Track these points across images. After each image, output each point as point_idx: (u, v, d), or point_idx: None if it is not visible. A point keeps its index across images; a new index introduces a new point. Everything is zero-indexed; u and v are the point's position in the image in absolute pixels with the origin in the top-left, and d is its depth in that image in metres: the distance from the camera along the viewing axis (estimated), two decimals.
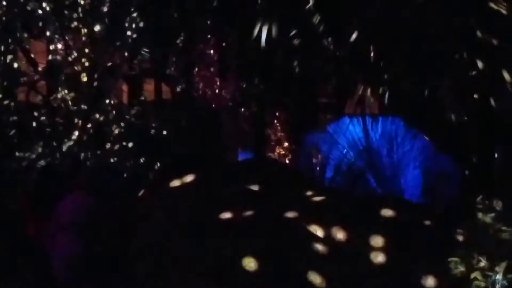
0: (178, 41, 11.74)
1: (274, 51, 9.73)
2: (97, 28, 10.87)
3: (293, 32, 9.07)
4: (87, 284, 7.85)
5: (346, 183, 10.71)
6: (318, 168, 11.30)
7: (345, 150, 11.25)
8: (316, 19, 8.76)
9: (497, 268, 5.72)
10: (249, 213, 6.87)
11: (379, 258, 6.36)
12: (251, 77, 11.67)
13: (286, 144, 12.25)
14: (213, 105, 11.92)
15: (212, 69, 11.89)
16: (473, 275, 5.74)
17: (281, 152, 12.20)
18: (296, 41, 9.10)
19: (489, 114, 9.22)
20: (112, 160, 10.16)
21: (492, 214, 6.11)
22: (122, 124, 10.53)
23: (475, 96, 9.11)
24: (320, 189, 7.97)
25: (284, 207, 6.87)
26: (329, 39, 9.14)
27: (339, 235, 6.48)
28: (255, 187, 7.50)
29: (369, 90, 9.92)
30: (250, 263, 6.21)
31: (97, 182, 9.02)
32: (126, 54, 11.24)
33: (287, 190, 7.52)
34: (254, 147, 12.18)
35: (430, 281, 6.19)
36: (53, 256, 8.05)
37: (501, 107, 8.95)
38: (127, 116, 10.88)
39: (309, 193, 7.35)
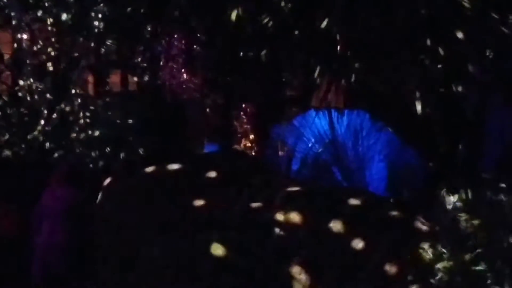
0: (144, 32, 11.70)
1: (241, 41, 9.74)
2: (63, 17, 10.80)
3: (263, 21, 9.09)
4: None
5: (312, 176, 10.74)
6: (284, 161, 11.32)
7: (311, 143, 11.28)
8: (286, 7, 8.79)
9: (461, 259, 5.80)
10: (215, 202, 6.89)
11: (345, 244, 6.42)
12: (218, 68, 11.65)
13: (252, 136, 12.25)
14: (180, 97, 11.90)
15: (179, 60, 11.86)
16: (438, 265, 5.82)
17: (247, 144, 12.21)
18: (265, 30, 9.12)
19: (453, 107, 9.32)
20: (78, 150, 10.14)
21: (458, 205, 6.19)
22: (88, 114, 10.49)
23: (440, 89, 9.20)
24: (287, 179, 8.02)
25: (251, 197, 6.93)
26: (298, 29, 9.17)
27: (302, 221, 6.54)
28: (221, 178, 7.55)
29: (335, 83, 9.99)
30: (217, 250, 6.26)
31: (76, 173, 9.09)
32: (92, 44, 11.20)
33: (254, 181, 7.57)
34: (220, 139, 12.17)
35: (393, 268, 6.25)
36: (37, 247, 8.13)
37: (465, 100, 9.05)
38: (92, 107, 10.84)
39: (275, 183, 7.40)
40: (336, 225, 6.50)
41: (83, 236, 8.20)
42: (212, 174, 7.68)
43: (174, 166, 8.05)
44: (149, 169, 7.99)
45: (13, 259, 9.16)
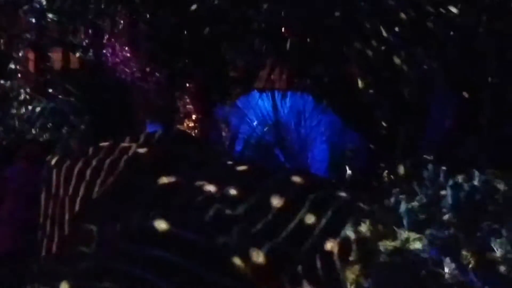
0: (87, 9, 11.57)
1: (185, 19, 9.70)
2: None
3: None
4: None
5: (254, 157, 10.78)
6: (227, 142, 11.33)
7: (254, 124, 11.30)
8: None
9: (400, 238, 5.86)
10: (160, 181, 6.92)
11: (285, 219, 6.48)
12: (161, 47, 11.57)
13: (195, 116, 12.21)
14: (122, 76, 11.79)
15: (122, 39, 11.74)
16: (379, 244, 5.87)
17: (190, 125, 12.16)
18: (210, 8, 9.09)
19: (394, 89, 9.41)
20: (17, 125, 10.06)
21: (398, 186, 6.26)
22: (28, 90, 10.39)
23: (382, 71, 9.28)
24: (230, 159, 8.07)
25: (195, 175, 6.96)
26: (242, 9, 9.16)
27: (242, 196, 6.60)
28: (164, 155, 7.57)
29: (278, 65, 10.01)
30: (161, 224, 6.29)
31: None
32: (33, 21, 11.05)
33: (197, 160, 7.59)
34: (162, 119, 12.11)
35: (329, 245, 6.32)
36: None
37: (407, 82, 9.15)
38: (32, 85, 10.74)
39: (217, 162, 7.45)
40: (277, 201, 6.56)
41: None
42: (160, 152, 7.72)
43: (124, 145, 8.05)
44: (98, 146, 8.03)
45: None
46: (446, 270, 5.34)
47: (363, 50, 9.31)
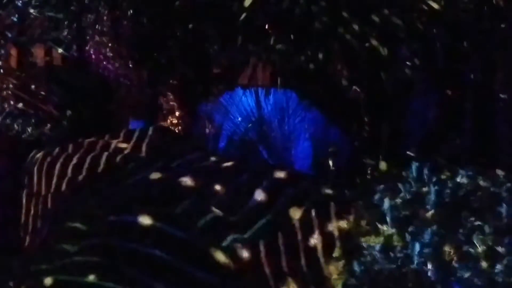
0: (70, 5, 11.52)
1: (168, 15, 9.68)
2: None
3: None
4: None
5: (238, 154, 10.78)
6: (210, 138, 11.32)
7: (237, 121, 11.30)
8: None
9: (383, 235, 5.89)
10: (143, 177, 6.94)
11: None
12: (144, 44, 11.54)
13: (178, 113, 12.19)
14: (105, 72, 11.75)
15: (105, 35, 11.70)
16: (362, 240, 5.90)
17: (173, 121, 12.14)
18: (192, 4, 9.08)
19: (378, 87, 9.44)
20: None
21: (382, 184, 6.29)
22: (11, 85, 10.35)
23: (366, 69, 9.30)
24: (213, 155, 8.09)
25: (178, 172, 6.99)
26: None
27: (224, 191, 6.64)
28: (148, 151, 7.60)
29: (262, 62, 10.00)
30: (145, 220, 6.30)
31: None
32: (16, 16, 11.01)
33: (180, 156, 7.61)
34: (145, 115, 12.08)
35: (312, 240, 6.35)
36: None
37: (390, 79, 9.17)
38: (15, 81, 10.71)
39: (201, 158, 7.49)
40: (259, 196, 6.59)
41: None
42: (142, 148, 7.74)
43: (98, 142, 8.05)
44: (79, 142, 8.03)
45: None
46: (429, 266, 5.38)
47: (346, 46, 9.32)
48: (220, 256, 6.24)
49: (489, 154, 9.06)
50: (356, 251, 5.90)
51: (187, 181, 6.80)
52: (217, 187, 6.69)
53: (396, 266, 5.62)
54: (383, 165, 7.08)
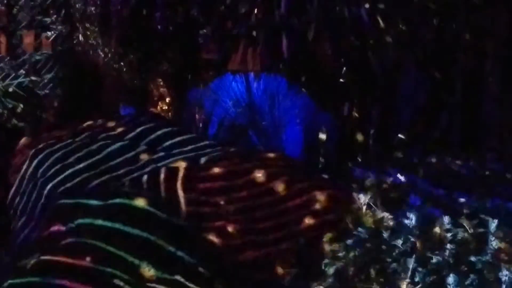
0: None
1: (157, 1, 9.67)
2: None
3: None
4: None
5: (228, 139, 10.78)
6: (200, 124, 11.32)
7: (227, 107, 11.30)
8: None
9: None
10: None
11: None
12: (134, 29, 11.53)
13: (168, 99, 12.19)
14: (94, 58, 11.74)
15: (94, 21, 11.68)
16: (354, 224, 5.93)
17: (164, 107, 12.14)
18: None
19: (366, 70, 9.46)
20: None
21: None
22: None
23: (354, 53, 9.32)
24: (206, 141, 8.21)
25: (167, 156, 7.05)
26: None
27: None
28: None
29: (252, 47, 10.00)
30: (140, 202, 6.37)
31: None
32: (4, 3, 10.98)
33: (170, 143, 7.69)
34: (136, 102, 12.08)
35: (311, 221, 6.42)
36: None
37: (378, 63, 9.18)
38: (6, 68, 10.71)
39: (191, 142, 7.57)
40: (258, 175, 6.66)
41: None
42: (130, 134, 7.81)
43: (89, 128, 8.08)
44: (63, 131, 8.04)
45: None
46: (418, 247, 5.41)
47: (335, 31, 9.34)
48: (212, 237, 6.33)
49: (478, 136, 9.10)
50: (347, 234, 5.93)
51: (178, 165, 6.90)
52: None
53: (386, 248, 5.66)
54: (374, 149, 7.13)
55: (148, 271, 5.91)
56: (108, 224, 6.19)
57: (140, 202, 6.33)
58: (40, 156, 7.77)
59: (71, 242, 6.13)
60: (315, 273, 5.65)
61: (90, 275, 5.77)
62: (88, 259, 5.89)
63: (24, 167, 7.86)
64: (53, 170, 7.48)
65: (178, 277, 5.94)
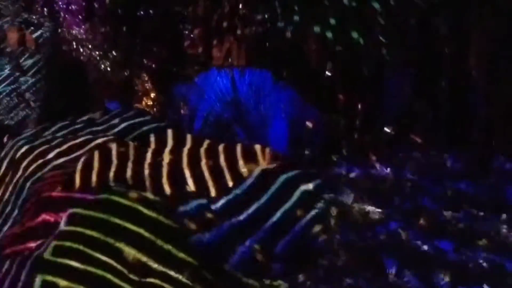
0: None
1: None
2: None
3: None
4: None
5: (214, 134, 10.76)
6: (186, 119, 11.31)
7: (213, 102, 11.28)
8: None
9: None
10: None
11: None
12: (119, 25, 11.50)
13: (153, 95, 12.16)
14: (80, 54, 11.71)
15: (79, 17, 11.65)
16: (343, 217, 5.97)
17: (149, 103, 12.12)
18: None
19: (352, 65, 9.47)
20: None
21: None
22: None
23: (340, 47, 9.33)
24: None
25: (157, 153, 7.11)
26: None
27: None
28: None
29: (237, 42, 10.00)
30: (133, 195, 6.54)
31: None
32: None
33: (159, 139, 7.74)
34: (121, 97, 12.06)
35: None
36: None
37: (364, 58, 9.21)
38: None
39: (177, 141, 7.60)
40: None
41: None
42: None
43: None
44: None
45: None
46: (403, 237, 5.44)
47: (321, 25, 9.34)
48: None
49: (464, 130, 9.12)
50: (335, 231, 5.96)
51: (169, 160, 7.00)
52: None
53: (373, 240, 5.69)
54: (360, 142, 7.14)
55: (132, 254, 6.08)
56: (99, 214, 6.26)
57: (133, 193, 6.50)
58: (22, 150, 7.80)
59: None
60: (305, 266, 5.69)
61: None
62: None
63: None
64: (34, 165, 7.52)
65: (165, 269, 6.04)
